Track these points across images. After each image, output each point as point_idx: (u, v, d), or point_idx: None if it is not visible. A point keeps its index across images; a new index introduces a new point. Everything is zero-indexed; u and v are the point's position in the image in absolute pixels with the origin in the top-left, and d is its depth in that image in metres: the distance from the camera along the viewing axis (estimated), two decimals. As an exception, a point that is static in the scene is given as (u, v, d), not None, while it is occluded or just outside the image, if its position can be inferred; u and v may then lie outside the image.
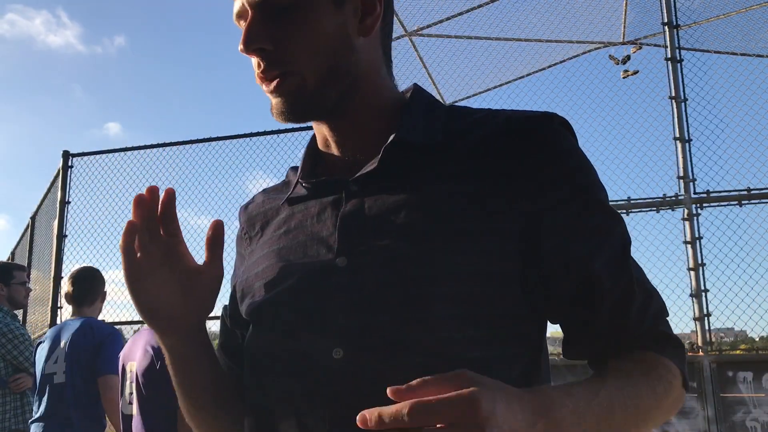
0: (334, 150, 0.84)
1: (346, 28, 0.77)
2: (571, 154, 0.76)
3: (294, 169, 0.94)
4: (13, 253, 8.05)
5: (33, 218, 6.88)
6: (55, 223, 5.56)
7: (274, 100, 0.78)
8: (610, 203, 0.80)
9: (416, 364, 0.69)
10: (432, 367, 0.69)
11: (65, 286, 3.19)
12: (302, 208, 0.83)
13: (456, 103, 6.56)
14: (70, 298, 3.15)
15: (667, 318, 0.79)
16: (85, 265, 3.41)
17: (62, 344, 3.02)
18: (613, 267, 0.74)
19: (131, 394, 2.57)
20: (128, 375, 2.61)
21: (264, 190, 0.96)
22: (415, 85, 0.86)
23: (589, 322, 0.76)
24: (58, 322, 5.03)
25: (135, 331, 2.99)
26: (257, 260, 0.84)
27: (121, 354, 2.69)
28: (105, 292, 3.28)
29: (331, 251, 0.75)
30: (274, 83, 0.76)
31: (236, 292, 0.89)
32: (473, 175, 0.74)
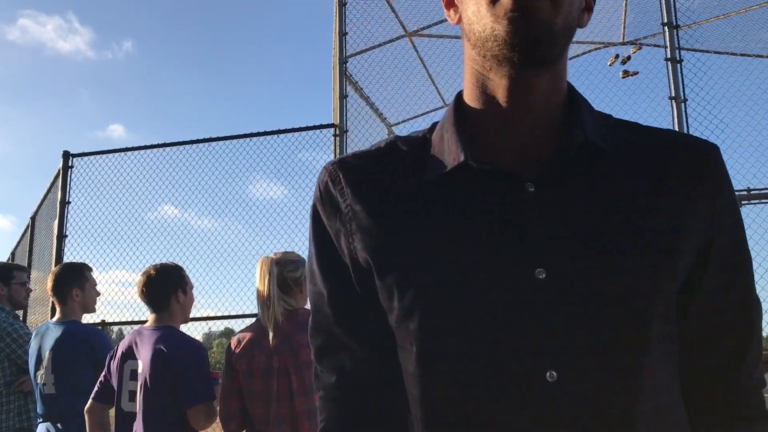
0: (506, 122, 0.75)
1: (579, 7, 0.74)
2: (731, 187, 0.79)
3: (432, 130, 0.82)
4: (13, 254, 8.05)
5: (33, 218, 6.88)
6: (56, 223, 5.56)
7: (521, 8, 0.66)
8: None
9: (638, 387, 0.67)
10: (651, 389, 0.68)
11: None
12: (457, 193, 0.74)
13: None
14: (50, 295, 3.11)
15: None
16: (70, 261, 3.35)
17: (46, 354, 2.96)
18: (745, 302, 0.78)
19: (133, 392, 2.58)
20: (128, 372, 2.61)
21: (361, 155, 0.82)
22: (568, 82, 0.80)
23: (711, 354, 0.78)
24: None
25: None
26: (401, 240, 0.74)
27: (121, 350, 2.67)
28: (79, 291, 3.09)
29: (526, 260, 0.69)
30: None
31: (363, 268, 0.78)
32: (653, 191, 0.73)
